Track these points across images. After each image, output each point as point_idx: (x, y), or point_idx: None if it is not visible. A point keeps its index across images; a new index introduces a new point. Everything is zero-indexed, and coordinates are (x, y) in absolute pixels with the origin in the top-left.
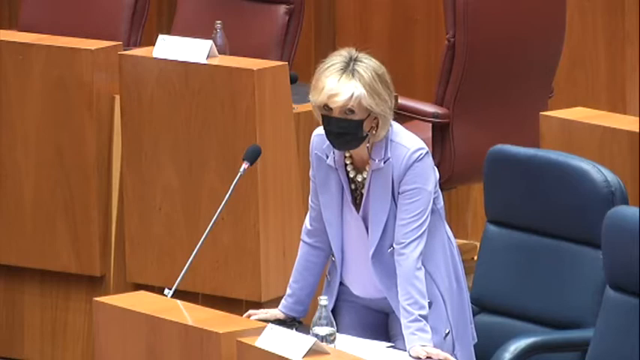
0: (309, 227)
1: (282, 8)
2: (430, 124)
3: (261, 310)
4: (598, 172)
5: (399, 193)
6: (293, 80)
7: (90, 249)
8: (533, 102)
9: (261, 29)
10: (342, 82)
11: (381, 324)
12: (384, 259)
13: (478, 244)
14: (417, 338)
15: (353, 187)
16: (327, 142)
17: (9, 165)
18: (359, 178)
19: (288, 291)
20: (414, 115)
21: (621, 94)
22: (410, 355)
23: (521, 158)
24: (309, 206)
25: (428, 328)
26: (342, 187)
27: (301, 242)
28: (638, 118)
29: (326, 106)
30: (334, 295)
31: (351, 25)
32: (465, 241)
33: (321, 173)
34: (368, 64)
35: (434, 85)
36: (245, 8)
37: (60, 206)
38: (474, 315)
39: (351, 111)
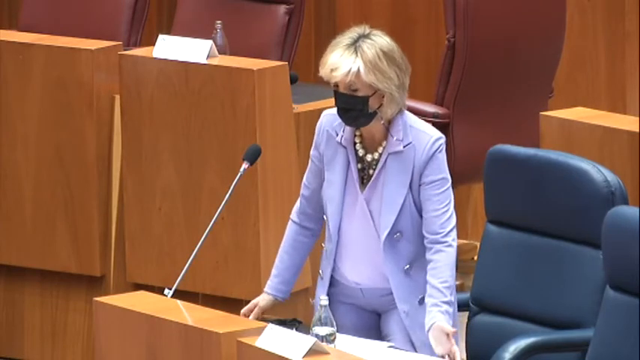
0: (299, 206)
1: (282, 8)
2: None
3: (251, 305)
4: (598, 172)
5: (421, 182)
6: (293, 80)
7: (90, 249)
8: (533, 102)
9: (261, 29)
10: (343, 57)
11: (373, 325)
12: (392, 243)
13: (478, 244)
14: (447, 319)
15: (360, 166)
16: (339, 121)
17: (9, 165)
18: (368, 158)
19: (274, 271)
20: None
21: (621, 94)
22: (436, 328)
23: (521, 158)
24: (303, 185)
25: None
26: (348, 165)
27: (290, 222)
28: (638, 118)
29: (333, 82)
30: (325, 292)
31: (351, 25)
32: (465, 241)
33: (330, 150)
34: (375, 42)
35: (434, 85)
36: (245, 8)
37: (60, 206)
38: (473, 315)
39: (355, 87)
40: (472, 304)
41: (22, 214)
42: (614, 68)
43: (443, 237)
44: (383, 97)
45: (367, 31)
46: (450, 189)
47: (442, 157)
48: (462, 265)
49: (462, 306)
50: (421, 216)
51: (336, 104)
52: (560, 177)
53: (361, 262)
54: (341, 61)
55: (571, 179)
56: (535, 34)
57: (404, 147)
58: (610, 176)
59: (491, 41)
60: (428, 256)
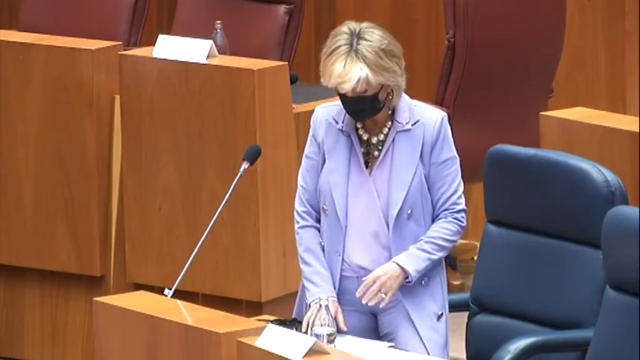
0: (305, 209)
1: (282, 8)
2: None
3: (332, 316)
4: (598, 172)
5: (433, 162)
6: (293, 80)
7: (90, 249)
8: (534, 102)
9: (261, 29)
10: (347, 67)
11: (371, 327)
12: (401, 223)
13: (478, 244)
14: (402, 259)
15: (363, 150)
16: (337, 110)
17: (9, 165)
18: (374, 140)
19: (318, 278)
20: None
21: (621, 94)
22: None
23: (521, 158)
24: (301, 187)
25: (417, 259)
26: (352, 150)
27: (305, 228)
28: (638, 118)
29: (343, 92)
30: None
31: None
32: (465, 241)
33: (331, 138)
34: (371, 42)
35: (434, 85)
36: (245, 8)
37: (60, 206)
38: (473, 315)
39: (364, 89)
40: (472, 304)
41: (22, 214)
42: (614, 68)
43: (455, 212)
44: (390, 89)
45: (357, 28)
46: (459, 167)
47: (449, 134)
48: (461, 265)
49: (462, 306)
50: (431, 195)
51: (346, 108)
52: (560, 177)
53: (368, 246)
54: (347, 72)
55: (571, 179)
56: (535, 34)
57: (412, 125)
58: (610, 176)
59: (492, 41)
60: (435, 222)
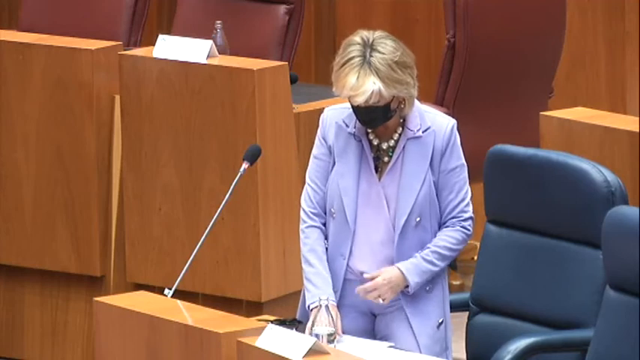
0: (314, 211)
1: (282, 8)
2: None
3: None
4: (598, 172)
5: (442, 169)
6: (293, 80)
7: (90, 249)
8: (534, 102)
9: (261, 29)
10: (360, 79)
11: (368, 328)
12: (409, 230)
13: (478, 244)
14: (406, 268)
15: (373, 155)
16: (347, 113)
17: (9, 165)
18: (384, 146)
19: (320, 280)
20: None
21: (621, 94)
22: (393, 270)
23: (521, 158)
24: (311, 188)
25: (418, 272)
26: (362, 155)
27: (312, 228)
28: (638, 118)
29: (355, 104)
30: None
31: (351, 26)
32: None
33: (341, 141)
34: (384, 54)
35: (434, 85)
36: (245, 8)
37: (60, 206)
38: (473, 315)
39: (377, 100)
40: (472, 304)
41: (22, 214)
42: (614, 68)
43: (462, 220)
44: (402, 99)
45: (370, 38)
46: (467, 174)
47: (459, 141)
48: (461, 265)
49: (462, 306)
50: (438, 202)
51: (358, 117)
52: (560, 177)
53: (374, 251)
54: (360, 85)
55: (571, 179)
56: (535, 34)
57: (423, 132)
58: (610, 176)
59: (491, 41)
60: (442, 229)
